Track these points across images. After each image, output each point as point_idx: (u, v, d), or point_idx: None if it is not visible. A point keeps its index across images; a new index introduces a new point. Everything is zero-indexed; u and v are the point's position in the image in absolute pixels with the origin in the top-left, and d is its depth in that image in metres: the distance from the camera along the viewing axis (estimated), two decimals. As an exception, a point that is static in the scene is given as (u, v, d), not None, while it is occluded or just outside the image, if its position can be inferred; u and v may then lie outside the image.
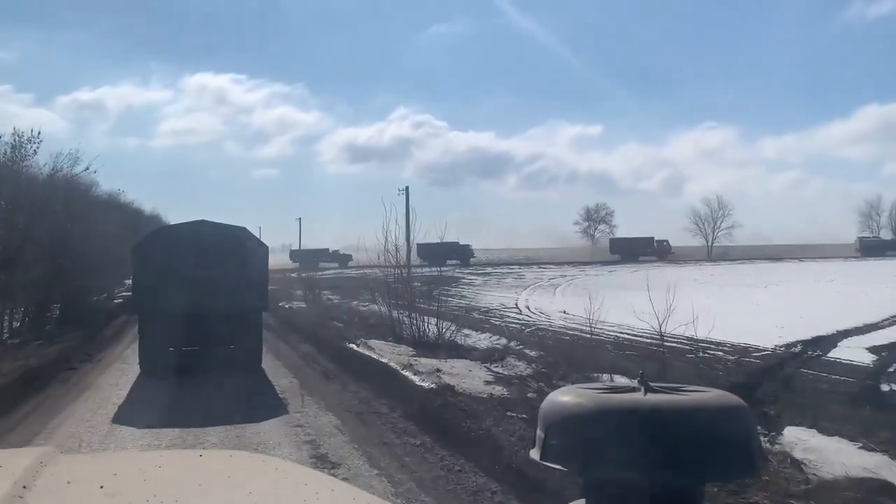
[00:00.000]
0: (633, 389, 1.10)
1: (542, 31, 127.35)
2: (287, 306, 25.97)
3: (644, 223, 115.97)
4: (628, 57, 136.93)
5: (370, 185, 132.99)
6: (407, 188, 26.55)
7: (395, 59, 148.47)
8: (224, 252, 11.46)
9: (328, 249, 76.52)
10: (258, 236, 14.49)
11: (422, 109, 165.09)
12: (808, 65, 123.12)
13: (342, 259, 71.01)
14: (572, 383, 1.42)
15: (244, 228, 12.34)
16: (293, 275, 55.23)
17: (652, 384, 1.09)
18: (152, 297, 11.19)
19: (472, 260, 71.09)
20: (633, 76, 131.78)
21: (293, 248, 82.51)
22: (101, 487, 1.14)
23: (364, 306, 25.24)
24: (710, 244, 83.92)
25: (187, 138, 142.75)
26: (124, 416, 8.84)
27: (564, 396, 1.11)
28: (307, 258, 74.27)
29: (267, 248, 13.15)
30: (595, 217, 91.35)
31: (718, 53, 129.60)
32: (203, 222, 12.00)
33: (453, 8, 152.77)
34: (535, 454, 1.12)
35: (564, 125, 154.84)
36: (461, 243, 72.36)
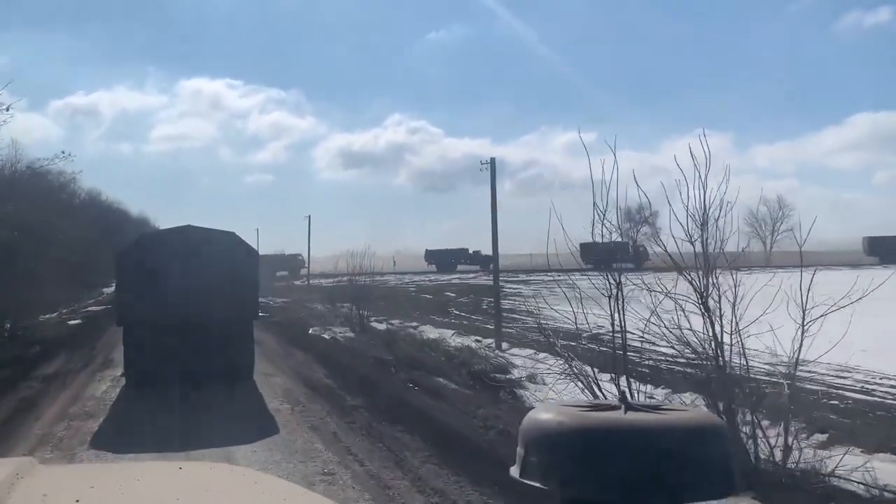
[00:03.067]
0: (613, 407, 1.16)
1: (537, 38, 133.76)
2: (326, 336, 19.46)
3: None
4: (622, 64, 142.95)
5: (365, 190, 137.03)
6: (492, 160, 18.62)
7: (392, 66, 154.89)
8: (212, 258, 11.55)
9: (467, 250, 69.38)
10: (255, 241, 14.44)
11: (417, 116, 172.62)
12: (801, 73, 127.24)
13: (484, 261, 62.80)
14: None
15: (233, 233, 12.39)
16: (298, 282, 53.00)
17: (632, 402, 1.16)
18: (136, 307, 11.28)
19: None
20: (627, 83, 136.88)
21: (287, 253, 78.64)
22: (77, 501, 1.20)
23: (415, 329, 19.95)
24: (769, 248, 77.37)
25: (181, 143, 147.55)
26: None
27: (545, 414, 1.18)
28: (444, 259, 68.78)
29: (258, 254, 13.24)
30: (637, 219, 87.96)
31: (711, 61, 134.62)
32: (190, 227, 12.07)
33: (449, 15, 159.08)
34: (514, 471, 1.18)
35: (558, 132, 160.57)
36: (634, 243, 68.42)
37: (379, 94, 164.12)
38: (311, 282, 47.53)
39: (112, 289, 31.44)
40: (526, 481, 1.15)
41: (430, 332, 19.06)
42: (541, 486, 1.13)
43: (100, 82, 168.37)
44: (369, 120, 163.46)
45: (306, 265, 69.56)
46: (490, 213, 18.13)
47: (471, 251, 68.79)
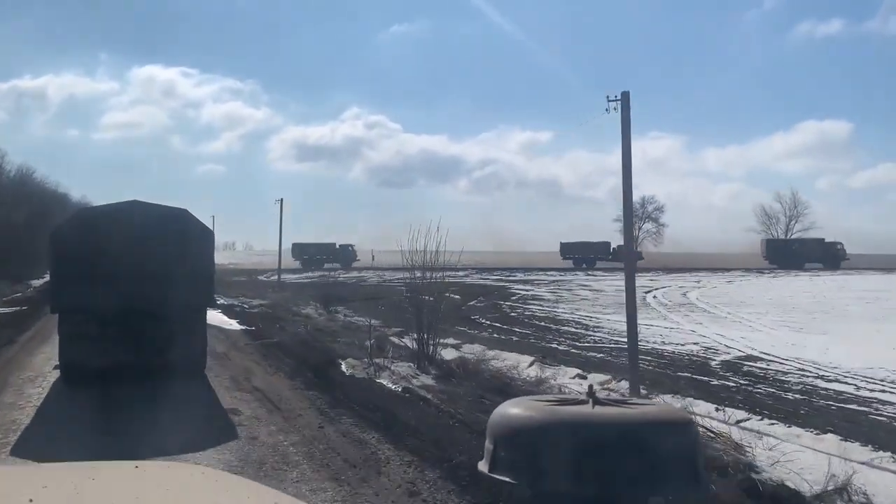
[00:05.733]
0: (581, 402, 1.25)
1: (497, 37, 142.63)
2: (387, 382, 11.01)
3: (693, 223, 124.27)
4: (579, 65, 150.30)
5: (319, 183, 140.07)
6: (626, 94, 10.20)
7: (352, 59, 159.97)
8: (161, 238, 11.17)
9: (609, 244, 63.94)
10: (212, 228, 13.74)
11: (376, 110, 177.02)
12: (754, 79, 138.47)
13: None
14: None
15: (185, 210, 11.98)
16: (263, 278, 44.41)
17: (599, 397, 1.25)
18: (74, 292, 10.89)
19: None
20: (584, 83, 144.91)
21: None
22: (31, 502, 1.24)
23: (459, 350, 13.95)
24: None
25: (132, 131, 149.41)
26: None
27: (514, 408, 1.27)
28: (584, 253, 63.93)
29: (212, 233, 12.91)
30: (640, 213, 79.84)
31: (666, 65, 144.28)
32: (136, 203, 11.69)
33: (411, 10, 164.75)
34: (483, 466, 1.27)
35: (515, 130, 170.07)
36: (828, 240, 62.92)
37: (338, 88, 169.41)
38: (273, 277, 44.12)
39: (41, 282, 29.17)
40: (495, 476, 1.24)
41: (502, 361, 13.01)
42: (510, 481, 1.22)
43: (48, 66, 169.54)
44: (327, 113, 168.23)
45: (358, 257, 66.01)
46: (621, 182, 8.44)
47: (614, 245, 62.84)
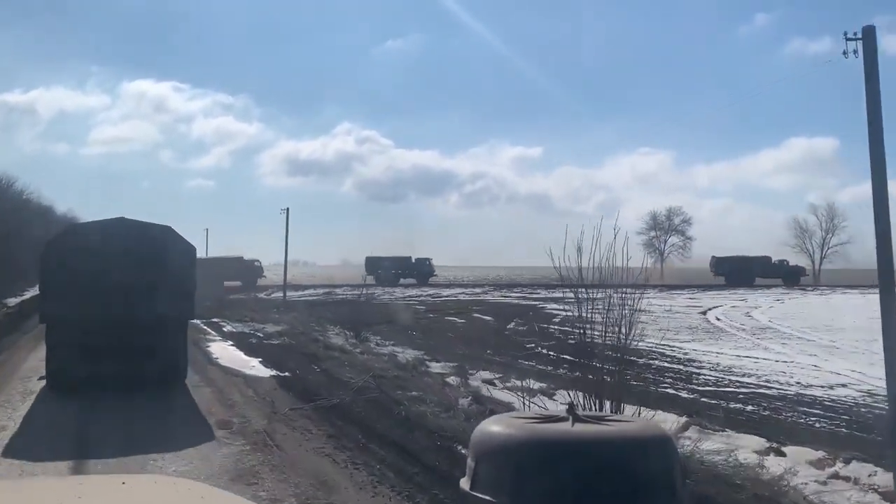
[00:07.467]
0: (562, 419, 1.29)
1: (488, 53, 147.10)
2: None
3: (722, 237, 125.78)
4: (569, 80, 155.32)
5: (310, 197, 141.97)
6: (870, 29, 6.58)
7: (344, 74, 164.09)
8: (146, 253, 11.66)
9: (769, 258, 60.48)
10: (204, 242, 13.96)
11: (368, 125, 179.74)
12: (742, 96, 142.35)
13: (789, 273, 57.58)
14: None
15: (169, 227, 12.46)
16: (263, 295, 40.62)
17: (580, 414, 1.29)
18: (62, 304, 11.33)
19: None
20: (574, 99, 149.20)
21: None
22: None
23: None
24: (817, 265, 71.14)
25: (121, 146, 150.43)
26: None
27: (495, 426, 1.30)
28: (737, 268, 59.37)
29: (195, 249, 13.33)
30: (664, 226, 76.54)
31: (656, 81, 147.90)
32: (122, 220, 12.07)
33: (403, 26, 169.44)
34: (464, 484, 1.30)
35: (506, 145, 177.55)
36: None
37: (329, 103, 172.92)
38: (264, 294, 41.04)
39: (18, 301, 29.08)
40: (476, 494, 1.27)
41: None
42: (490, 499, 1.25)
43: (38, 80, 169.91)
44: (318, 128, 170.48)
45: (436, 273, 64.37)
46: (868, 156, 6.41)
47: (774, 260, 60.54)
